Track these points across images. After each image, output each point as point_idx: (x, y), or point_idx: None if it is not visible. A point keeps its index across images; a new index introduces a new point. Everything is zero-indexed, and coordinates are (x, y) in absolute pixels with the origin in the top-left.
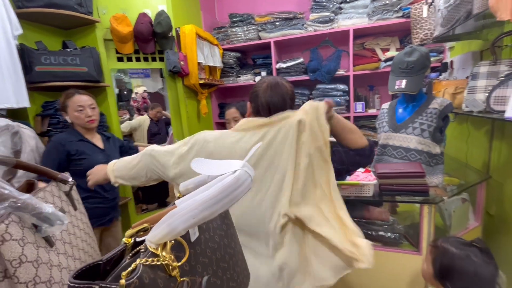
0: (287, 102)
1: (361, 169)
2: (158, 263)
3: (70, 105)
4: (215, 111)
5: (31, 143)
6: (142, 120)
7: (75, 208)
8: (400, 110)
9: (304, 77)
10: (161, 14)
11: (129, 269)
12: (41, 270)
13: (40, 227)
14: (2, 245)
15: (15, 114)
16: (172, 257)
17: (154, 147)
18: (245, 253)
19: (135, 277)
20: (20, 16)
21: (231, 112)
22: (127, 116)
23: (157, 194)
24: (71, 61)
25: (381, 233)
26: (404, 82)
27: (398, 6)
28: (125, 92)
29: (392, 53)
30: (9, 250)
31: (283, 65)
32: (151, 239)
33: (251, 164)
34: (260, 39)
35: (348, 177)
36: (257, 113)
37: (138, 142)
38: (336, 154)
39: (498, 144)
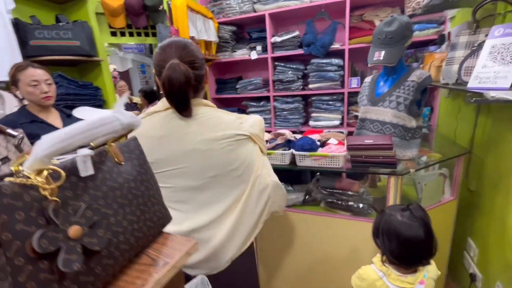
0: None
1: (334, 141)
2: (28, 183)
3: (22, 79)
4: (212, 87)
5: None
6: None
7: None
8: (381, 83)
9: (299, 51)
10: None
11: None
12: None
13: None
14: None
15: None
16: (45, 181)
17: None
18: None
19: None
20: None
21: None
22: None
23: None
24: (63, 35)
25: (351, 203)
26: (382, 53)
27: None
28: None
29: None
30: None
31: (278, 39)
32: (24, 166)
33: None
34: (255, 11)
35: (320, 149)
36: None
37: None
38: None
39: (483, 119)
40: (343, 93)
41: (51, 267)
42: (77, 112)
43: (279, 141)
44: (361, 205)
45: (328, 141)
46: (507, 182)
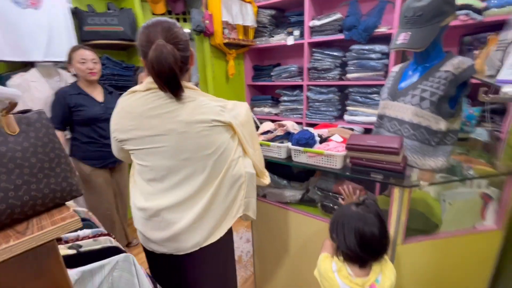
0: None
1: (338, 138)
2: None
3: (74, 57)
4: (249, 73)
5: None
6: None
7: None
8: (410, 73)
9: (339, 36)
10: None
11: None
12: None
13: None
14: None
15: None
16: None
17: None
18: None
19: None
20: None
21: (142, 76)
22: None
23: None
24: (110, 21)
25: None
26: (408, 35)
27: None
28: None
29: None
30: None
31: (317, 23)
32: None
33: None
34: None
35: (318, 145)
36: None
37: None
38: None
39: None
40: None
41: None
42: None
43: (279, 132)
44: None
45: (332, 138)
46: None
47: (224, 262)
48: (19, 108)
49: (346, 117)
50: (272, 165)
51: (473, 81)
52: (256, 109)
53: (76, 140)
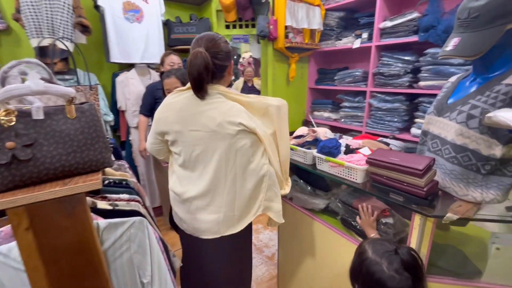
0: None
1: (366, 151)
2: None
3: (166, 61)
4: (312, 76)
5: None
6: (240, 82)
7: None
8: (466, 85)
9: (413, 39)
10: None
11: None
12: None
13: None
14: None
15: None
16: (4, 113)
17: None
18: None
19: None
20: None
21: (171, 81)
22: (233, 77)
23: None
24: (190, 30)
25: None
26: (458, 40)
27: None
28: (235, 57)
29: None
30: None
31: (389, 24)
32: None
33: None
34: None
35: (342, 155)
36: None
37: None
38: None
39: None
40: None
41: None
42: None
43: (308, 138)
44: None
45: (360, 150)
46: None
47: (240, 252)
48: (127, 93)
49: (413, 130)
50: (299, 170)
51: None
52: (315, 113)
53: None
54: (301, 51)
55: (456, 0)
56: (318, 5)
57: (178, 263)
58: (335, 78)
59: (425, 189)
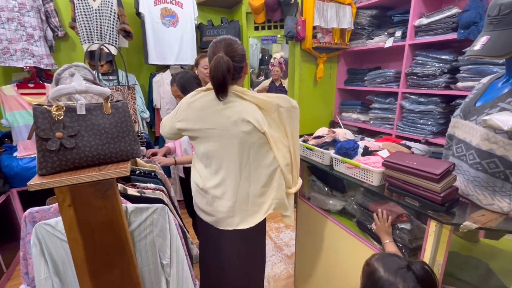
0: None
1: (384, 153)
2: (47, 109)
3: (200, 63)
4: (341, 77)
5: None
6: (268, 81)
7: None
8: (498, 86)
9: (451, 36)
10: None
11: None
12: None
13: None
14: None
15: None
16: (55, 109)
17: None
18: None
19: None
20: (199, 4)
21: (173, 90)
22: (262, 77)
23: None
24: (221, 32)
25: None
26: (485, 39)
27: None
28: (266, 57)
29: None
30: None
31: (425, 21)
32: (49, 98)
33: None
34: None
35: (359, 157)
36: None
37: None
38: None
39: None
40: None
41: (44, 145)
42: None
43: (327, 139)
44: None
45: (378, 152)
46: None
47: (253, 245)
48: (162, 93)
49: None
50: (317, 170)
51: None
52: (344, 114)
53: None
54: (329, 51)
55: None
56: (349, 4)
57: (195, 250)
58: (365, 78)
59: (441, 195)
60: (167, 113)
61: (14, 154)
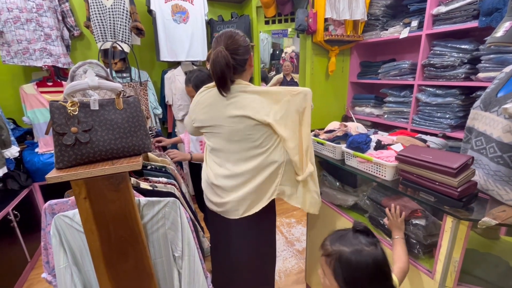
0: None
1: (398, 147)
2: (63, 104)
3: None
4: (354, 70)
5: None
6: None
7: None
8: None
9: (472, 25)
10: None
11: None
12: None
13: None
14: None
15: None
16: (70, 104)
17: None
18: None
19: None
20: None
21: (188, 90)
22: (273, 72)
23: None
24: (231, 27)
25: None
26: (508, 25)
27: None
28: (277, 52)
29: None
30: None
31: (443, 9)
32: (64, 94)
33: None
34: None
35: (371, 151)
36: None
37: None
38: None
39: None
40: None
41: (61, 140)
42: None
43: (339, 133)
44: (406, 237)
45: (392, 146)
46: None
47: (260, 234)
48: (173, 89)
49: None
50: (328, 165)
51: None
52: (357, 108)
53: None
54: (342, 44)
55: None
56: None
57: (206, 243)
58: (379, 71)
59: (458, 190)
60: (179, 109)
61: (36, 150)
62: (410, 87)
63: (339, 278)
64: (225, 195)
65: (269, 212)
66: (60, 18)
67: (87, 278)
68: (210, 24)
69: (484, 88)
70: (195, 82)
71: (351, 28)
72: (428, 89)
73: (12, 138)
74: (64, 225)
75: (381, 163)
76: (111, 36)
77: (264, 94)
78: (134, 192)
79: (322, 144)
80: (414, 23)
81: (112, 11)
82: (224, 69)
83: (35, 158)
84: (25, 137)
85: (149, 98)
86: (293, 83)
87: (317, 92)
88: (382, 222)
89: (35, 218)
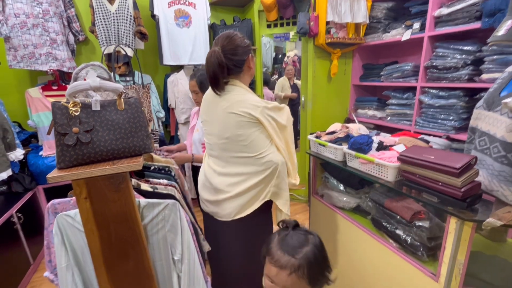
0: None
1: (400, 148)
2: (65, 105)
3: None
4: (357, 72)
5: None
6: (284, 80)
7: None
8: None
9: (474, 26)
10: None
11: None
12: None
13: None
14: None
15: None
16: (72, 105)
17: None
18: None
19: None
20: (211, 4)
21: (191, 84)
22: (276, 76)
23: None
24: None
25: (398, 231)
26: (510, 23)
27: None
28: (279, 56)
29: None
30: None
31: (445, 11)
32: (66, 95)
33: None
34: None
35: (373, 152)
36: None
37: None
38: None
39: None
40: None
41: (62, 140)
42: None
43: (340, 134)
44: (409, 239)
45: (394, 147)
46: None
47: (252, 238)
48: (176, 92)
49: None
50: (330, 167)
51: None
52: (359, 111)
53: None
54: (344, 47)
55: None
56: None
57: (207, 246)
58: (382, 73)
59: (462, 190)
60: (182, 112)
61: (40, 153)
62: (413, 89)
63: (305, 278)
64: (216, 193)
65: (265, 214)
66: (66, 23)
67: (88, 278)
68: (212, 28)
69: (487, 89)
70: (200, 78)
71: (353, 31)
72: (431, 91)
73: (17, 141)
74: (66, 224)
75: (383, 164)
76: (115, 40)
77: (257, 101)
78: (135, 193)
79: (324, 145)
80: (416, 25)
81: (117, 16)
82: (216, 68)
83: (39, 161)
84: (30, 140)
85: (152, 101)
86: (296, 87)
87: (319, 95)
88: (385, 225)
89: (38, 221)
